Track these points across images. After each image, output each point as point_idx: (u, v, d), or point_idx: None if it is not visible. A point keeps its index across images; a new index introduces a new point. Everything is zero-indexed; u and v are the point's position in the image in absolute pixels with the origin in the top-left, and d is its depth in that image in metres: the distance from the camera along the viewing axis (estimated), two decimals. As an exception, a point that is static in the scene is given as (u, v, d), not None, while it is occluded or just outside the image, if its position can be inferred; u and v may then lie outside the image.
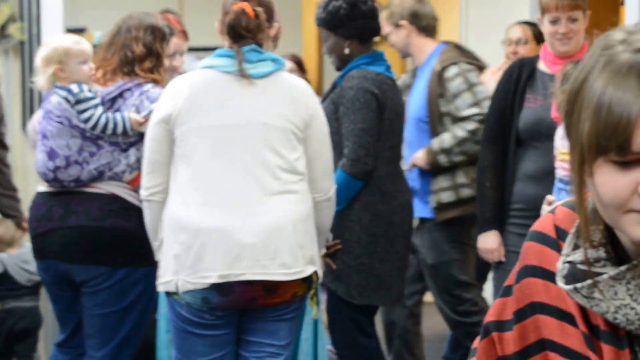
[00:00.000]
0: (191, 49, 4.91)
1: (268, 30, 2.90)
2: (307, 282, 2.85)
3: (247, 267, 2.73)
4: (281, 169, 2.80)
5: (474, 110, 3.89)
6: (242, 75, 2.80)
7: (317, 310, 2.95)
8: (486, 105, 3.80)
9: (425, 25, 4.05)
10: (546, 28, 3.30)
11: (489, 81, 4.38)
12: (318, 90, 6.65)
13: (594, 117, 1.06)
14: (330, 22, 3.47)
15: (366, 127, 3.34)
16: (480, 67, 4.10)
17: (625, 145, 1.03)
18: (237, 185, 2.76)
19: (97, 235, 3.16)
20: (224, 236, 2.72)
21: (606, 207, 1.09)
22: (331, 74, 6.58)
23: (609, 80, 1.05)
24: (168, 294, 2.82)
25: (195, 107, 2.78)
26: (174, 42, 3.67)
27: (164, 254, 2.84)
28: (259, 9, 2.85)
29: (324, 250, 3.40)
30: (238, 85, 2.81)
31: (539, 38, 4.25)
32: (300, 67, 5.93)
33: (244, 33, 2.81)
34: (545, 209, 3.03)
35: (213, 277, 2.72)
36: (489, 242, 3.38)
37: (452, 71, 3.92)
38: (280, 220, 2.77)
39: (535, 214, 3.18)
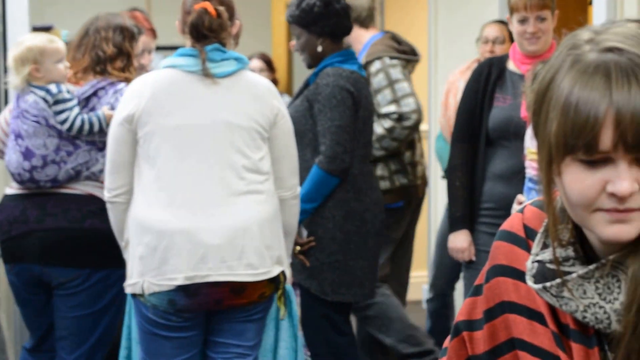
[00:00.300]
0: (159, 48, 4.89)
1: (230, 28, 2.88)
2: (275, 282, 2.84)
3: (213, 268, 2.72)
4: (246, 169, 2.79)
5: (391, 108, 3.98)
6: (206, 74, 2.78)
7: (284, 311, 2.94)
8: (405, 103, 3.92)
9: (357, 16, 4.09)
10: (515, 28, 3.31)
11: (458, 81, 4.41)
12: (287, 89, 6.64)
13: (562, 117, 1.06)
14: (303, 20, 3.48)
15: (343, 125, 3.37)
16: (410, 62, 4.15)
17: (593, 144, 1.04)
18: (201, 185, 2.75)
19: (77, 237, 3.14)
20: (189, 237, 2.71)
21: (574, 206, 1.09)
22: (300, 73, 6.59)
23: (576, 79, 1.06)
24: (134, 296, 2.80)
25: (158, 107, 2.76)
26: (143, 40, 3.66)
27: (129, 255, 2.82)
28: (221, 8, 2.82)
29: (298, 248, 3.41)
30: (201, 85, 2.79)
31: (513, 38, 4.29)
32: (269, 66, 5.92)
33: (207, 33, 2.79)
34: (515, 208, 3.05)
35: (179, 279, 2.71)
36: (459, 242, 3.39)
37: (375, 66, 4.02)
38: (246, 221, 2.76)
39: (506, 213, 3.19)
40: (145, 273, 2.73)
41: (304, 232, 3.46)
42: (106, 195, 2.86)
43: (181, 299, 2.73)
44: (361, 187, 3.48)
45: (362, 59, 4.00)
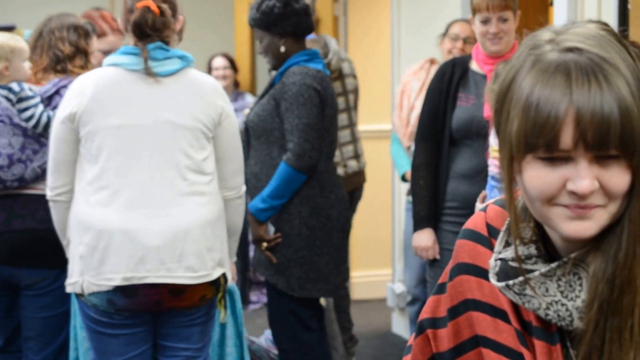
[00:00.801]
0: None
1: (174, 25, 2.84)
2: (216, 284, 2.83)
3: (151, 269, 2.70)
4: (189, 169, 2.76)
5: None
6: (148, 73, 2.74)
7: (224, 314, 2.93)
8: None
9: None
10: (477, 28, 3.34)
11: (411, 82, 4.43)
12: (251, 89, 6.63)
13: (523, 116, 1.07)
14: (264, 22, 3.50)
15: (310, 122, 3.40)
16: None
17: (553, 143, 1.05)
18: (143, 186, 2.72)
19: (45, 238, 3.11)
20: (128, 238, 2.69)
21: (534, 203, 1.10)
22: (263, 72, 6.59)
23: (536, 79, 1.07)
24: (76, 295, 2.78)
25: (100, 106, 2.73)
26: (111, 41, 3.65)
27: (71, 254, 2.80)
28: (164, 6, 2.78)
29: (265, 245, 3.42)
30: (144, 84, 2.75)
31: None
32: (232, 65, 5.91)
33: (150, 31, 2.75)
34: (478, 206, 3.07)
35: (117, 280, 2.69)
36: (423, 240, 3.41)
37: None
38: (188, 223, 2.73)
39: (469, 212, 3.22)
40: (85, 272, 2.71)
41: (271, 229, 3.48)
42: (48, 194, 2.83)
43: (120, 299, 2.71)
44: (326, 184, 3.51)
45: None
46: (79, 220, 2.74)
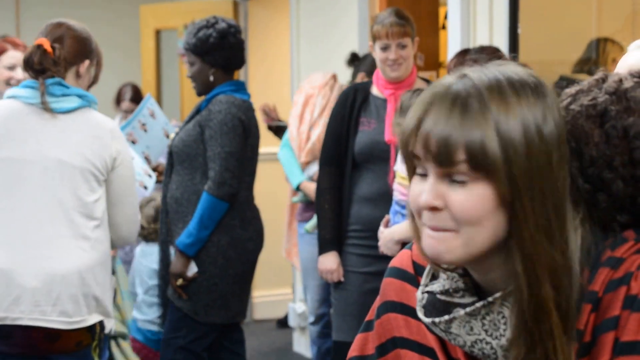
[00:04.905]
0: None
1: (78, 66, 2.80)
2: (92, 331, 2.73)
3: (25, 311, 2.60)
4: (75, 211, 2.68)
5: None
6: (45, 108, 2.69)
7: None
8: None
9: None
10: (377, 54, 3.41)
11: (316, 96, 4.45)
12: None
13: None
14: (198, 49, 3.54)
15: (233, 151, 3.43)
16: None
17: (412, 157, 1.13)
18: (24, 224, 2.63)
19: None
20: (4, 277, 2.60)
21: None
22: (170, 99, 6.56)
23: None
24: None
25: None
26: (12, 55, 3.60)
27: None
28: (57, 45, 2.74)
29: (181, 281, 3.40)
30: (39, 119, 2.69)
31: None
32: (137, 95, 5.77)
33: (37, 68, 2.71)
34: (382, 230, 3.14)
35: None
36: (328, 263, 3.46)
37: None
38: (67, 267, 2.64)
39: (372, 235, 3.29)
40: None
41: (194, 268, 3.47)
42: None
43: None
44: (246, 216, 3.54)
45: None
46: None
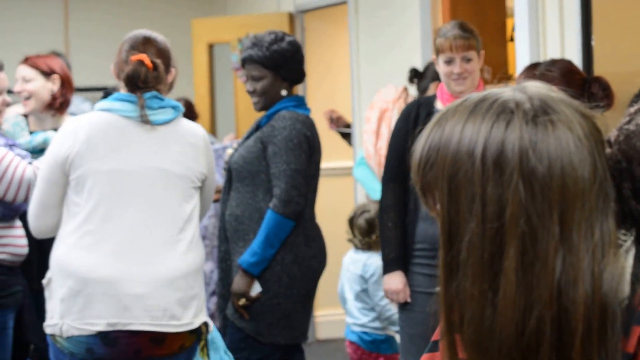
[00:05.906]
0: (78, 89, 4.77)
1: (166, 78, 2.87)
2: (196, 333, 2.81)
3: (135, 316, 2.69)
4: (177, 218, 2.78)
5: None
6: (145, 121, 2.77)
7: None
8: None
9: None
10: (441, 68, 3.33)
11: (391, 110, 4.37)
12: (211, 129, 6.53)
13: None
14: (272, 62, 3.47)
15: (299, 168, 3.37)
16: None
17: None
18: (129, 233, 2.72)
19: None
20: (113, 285, 2.68)
21: None
22: (224, 114, 6.54)
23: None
24: (54, 342, 2.73)
25: (94, 150, 2.73)
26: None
27: (51, 294, 2.77)
28: (158, 61, 2.82)
29: (243, 301, 3.35)
30: (139, 131, 2.78)
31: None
32: (190, 110, 5.76)
33: (142, 85, 2.77)
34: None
35: (100, 325, 2.66)
36: (394, 283, 3.37)
37: None
38: (173, 272, 2.74)
39: (439, 254, 3.19)
40: (66, 315, 2.69)
41: (258, 287, 3.40)
42: (35, 235, 2.85)
43: (99, 347, 2.67)
44: (310, 233, 3.48)
45: None
46: (61, 264, 2.72)
